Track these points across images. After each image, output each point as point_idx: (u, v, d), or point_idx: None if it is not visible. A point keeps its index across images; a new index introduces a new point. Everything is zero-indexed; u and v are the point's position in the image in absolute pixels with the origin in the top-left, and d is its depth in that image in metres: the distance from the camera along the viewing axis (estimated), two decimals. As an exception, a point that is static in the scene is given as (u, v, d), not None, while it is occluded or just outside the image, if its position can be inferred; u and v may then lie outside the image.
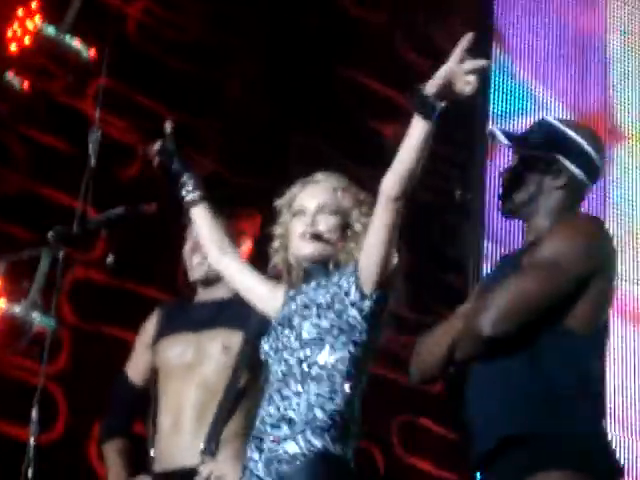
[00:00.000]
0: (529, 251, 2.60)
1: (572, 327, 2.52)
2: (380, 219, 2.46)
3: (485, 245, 5.23)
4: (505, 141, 2.70)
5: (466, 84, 2.38)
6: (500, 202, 2.73)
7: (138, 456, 3.24)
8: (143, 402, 3.27)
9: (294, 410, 2.43)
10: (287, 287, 2.63)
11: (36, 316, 2.86)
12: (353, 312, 2.49)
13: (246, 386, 3.06)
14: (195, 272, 3.28)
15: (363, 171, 4.40)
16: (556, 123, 2.76)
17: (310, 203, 2.59)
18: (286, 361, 2.49)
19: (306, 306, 2.51)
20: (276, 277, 2.70)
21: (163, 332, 3.28)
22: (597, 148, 2.72)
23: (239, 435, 2.99)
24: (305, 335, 2.49)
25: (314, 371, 2.45)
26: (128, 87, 4.66)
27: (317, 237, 2.58)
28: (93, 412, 3.83)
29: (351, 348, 2.48)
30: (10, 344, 3.19)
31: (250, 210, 3.38)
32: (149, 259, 4.75)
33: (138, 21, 4.72)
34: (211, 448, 2.97)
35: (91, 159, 2.99)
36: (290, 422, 2.41)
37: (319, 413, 2.43)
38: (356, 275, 2.50)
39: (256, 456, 2.42)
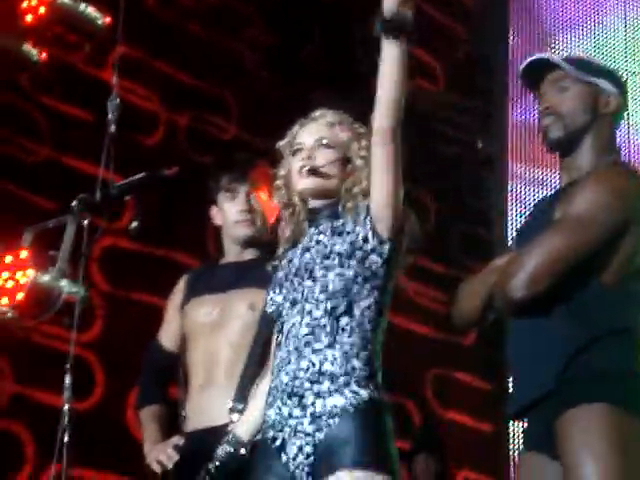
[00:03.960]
0: (564, 198, 2.59)
1: (607, 279, 2.52)
2: (380, 156, 2.41)
3: (510, 197, 5.21)
4: (563, 64, 2.66)
5: None
6: (546, 132, 2.68)
7: (174, 420, 3.27)
8: (177, 367, 3.29)
9: (332, 363, 2.41)
10: (289, 230, 2.59)
11: (64, 285, 2.88)
12: (374, 258, 2.47)
13: (271, 342, 3.07)
14: (239, 232, 3.26)
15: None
16: (588, 56, 2.75)
17: (307, 139, 2.56)
18: (310, 313, 2.46)
19: (326, 256, 2.48)
20: (276, 220, 2.68)
21: (191, 295, 3.30)
22: (622, 81, 2.73)
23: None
24: (331, 286, 2.45)
25: (344, 321, 2.43)
26: (147, 53, 4.67)
27: (315, 171, 2.53)
28: (129, 378, 3.87)
29: (376, 294, 2.47)
30: (40, 313, 3.21)
31: (266, 164, 3.35)
32: (176, 224, 4.78)
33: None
34: (238, 406, 2.99)
35: (111, 126, 2.99)
36: (331, 376, 2.39)
37: (357, 363, 2.41)
38: (371, 220, 2.47)
39: (297, 412, 2.40)
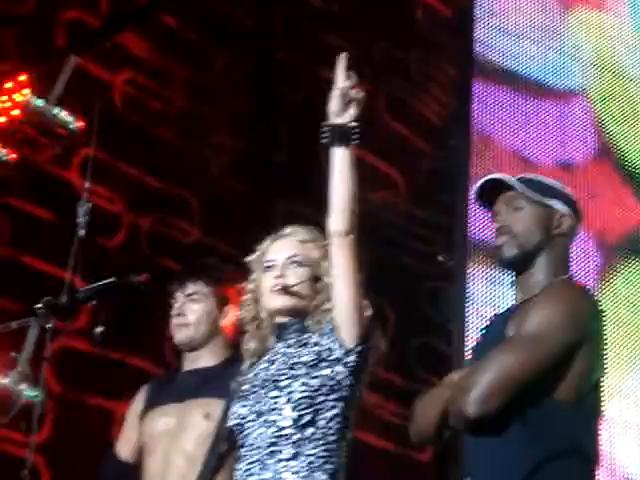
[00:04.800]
0: (517, 315, 2.61)
1: (562, 397, 2.53)
2: (337, 262, 2.44)
3: (469, 308, 5.25)
4: (517, 184, 2.70)
5: (357, 95, 2.44)
6: (500, 251, 2.71)
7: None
8: (133, 477, 3.24)
9: (296, 474, 2.40)
10: (253, 345, 2.59)
11: (24, 388, 2.84)
12: (340, 368, 2.47)
13: (226, 454, 3.05)
14: (178, 337, 3.29)
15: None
16: (542, 177, 2.81)
17: (279, 256, 2.58)
18: (274, 422, 2.44)
19: (292, 366, 2.49)
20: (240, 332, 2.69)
21: (151, 405, 3.28)
22: (574, 201, 2.79)
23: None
24: (296, 396, 2.45)
25: (309, 431, 2.43)
26: (113, 156, 4.69)
27: (287, 290, 2.55)
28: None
29: (341, 405, 2.47)
30: (-1, 416, 3.17)
31: (234, 276, 3.38)
32: (134, 329, 4.74)
33: (123, 91, 4.77)
34: None
35: (80, 230, 2.99)
36: None
37: (321, 475, 2.41)
38: (335, 331, 2.48)
39: None
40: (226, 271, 3.41)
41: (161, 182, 4.78)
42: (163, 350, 4.49)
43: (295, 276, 2.56)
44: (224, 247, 4.66)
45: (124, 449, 3.28)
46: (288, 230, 2.65)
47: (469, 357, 2.82)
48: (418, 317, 5.41)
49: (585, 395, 2.59)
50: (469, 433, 2.56)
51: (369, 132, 5.11)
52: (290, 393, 2.46)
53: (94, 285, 2.83)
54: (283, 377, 2.50)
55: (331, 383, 2.47)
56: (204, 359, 3.27)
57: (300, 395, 2.46)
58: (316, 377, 2.46)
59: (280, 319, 2.59)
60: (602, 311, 2.67)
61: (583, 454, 2.57)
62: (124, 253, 4.69)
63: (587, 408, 2.60)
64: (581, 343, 2.56)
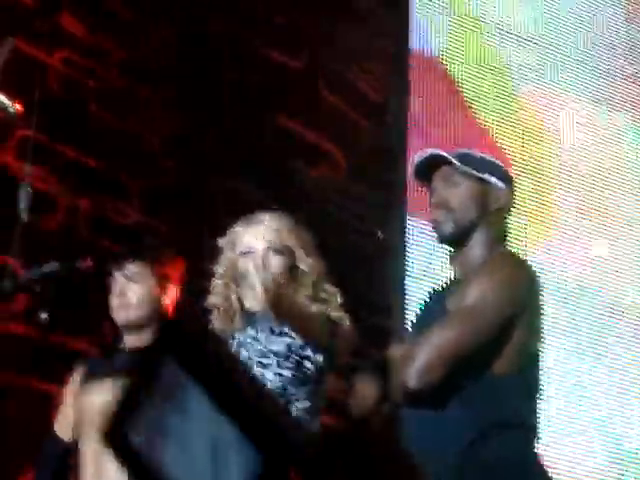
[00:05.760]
0: (455, 290, 2.64)
1: (501, 370, 2.58)
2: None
3: (409, 283, 5.28)
4: (455, 160, 2.73)
5: None
6: (437, 227, 2.74)
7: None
8: (74, 454, 3.23)
9: None
10: (222, 326, 2.58)
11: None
12: (308, 364, 2.50)
13: None
14: (119, 318, 3.29)
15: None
16: (479, 152, 2.84)
17: (257, 243, 2.58)
18: None
19: (263, 354, 2.49)
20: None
21: (87, 383, 3.27)
22: (512, 179, 2.82)
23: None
24: (269, 385, 2.48)
25: None
26: (49, 138, 4.63)
27: (273, 282, 2.56)
28: (17, 468, 3.76)
29: (312, 398, 2.49)
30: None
31: (173, 255, 3.37)
32: (73, 310, 4.69)
33: (59, 71, 4.70)
34: None
35: (22, 215, 2.95)
36: None
37: None
38: None
39: None
40: (165, 250, 3.39)
41: (98, 162, 4.73)
42: (103, 332, 4.46)
43: (276, 265, 2.57)
44: (163, 227, 4.63)
45: (62, 428, 3.27)
46: (262, 216, 2.66)
47: (409, 331, 2.86)
48: (358, 295, 5.42)
49: (524, 367, 2.63)
50: (410, 405, 2.60)
51: (309, 108, 5.12)
52: (263, 382, 2.50)
53: (37, 270, 2.80)
54: (254, 365, 2.51)
55: (301, 376, 2.49)
56: (145, 338, 3.26)
57: (273, 385, 2.51)
58: (287, 368, 2.48)
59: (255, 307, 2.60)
60: (539, 283, 2.71)
61: (523, 426, 2.61)
62: (63, 235, 4.63)
63: (526, 380, 2.65)
64: (518, 316, 2.60)
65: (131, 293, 3.26)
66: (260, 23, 5.28)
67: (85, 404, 3.19)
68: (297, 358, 2.50)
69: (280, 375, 2.48)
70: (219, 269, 2.64)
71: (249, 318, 2.58)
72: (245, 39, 5.20)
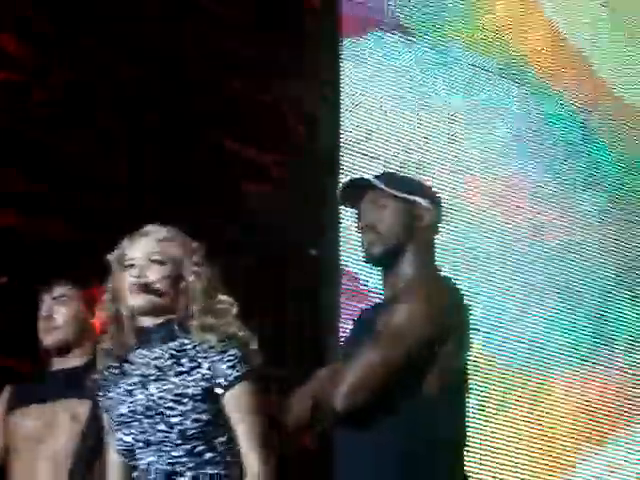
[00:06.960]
0: (384, 311, 2.67)
1: (429, 390, 2.61)
2: None
3: (343, 302, 5.29)
4: (379, 183, 2.75)
5: None
6: (367, 249, 2.77)
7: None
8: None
9: None
10: (108, 346, 2.55)
11: None
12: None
13: (93, 456, 3.02)
14: (46, 340, 3.28)
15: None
16: (401, 174, 2.88)
17: (138, 254, 2.55)
18: (169, 452, 2.45)
19: (178, 400, 2.44)
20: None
21: (16, 405, 3.25)
22: (438, 198, 2.86)
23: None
24: (189, 432, 2.45)
25: (207, 456, 2.45)
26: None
27: (146, 288, 2.53)
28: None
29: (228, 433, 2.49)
30: None
31: (102, 277, 3.34)
32: (4, 328, 4.63)
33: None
34: None
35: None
36: None
37: None
38: (218, 361, 2.48)
39: None
40: (92, 270, 3.36)
41: (25, 179, 4.68)
42: (36, 350, 4.40)
43: (155, 274, 2.54)
44: (92, 245, 4.58)
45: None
46: (147, 228, 2.64)
47: (340, 350, 2.89)
48: (293, 314, 5.41)
49: (451, 386, 2.66)
50: (339, 426, 2.65)
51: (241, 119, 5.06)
52: (182, 431, 2.46)
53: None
54: (170, 411, 2.46)
55: (219, 412, 2.49)
56: (73, 360, 3.26)
57: (193, 431, 2.46)
58: (205, 411, 2.46)
59: (143, 320, 2.56)
60: (465, 302, 2.73)
61: (450, 444, 2.63)
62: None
63: (453, 399, 2.67)
64: (443, 336, 2.63)
65: (57, 315, 3.26)
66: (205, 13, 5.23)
67: (14, 430, 3.17)
68: (215, 398, 2.48)
69: (199, 421, 2.47)
70: (108, 284, 2.61)
71: (144, 337, 2.54)
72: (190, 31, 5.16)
